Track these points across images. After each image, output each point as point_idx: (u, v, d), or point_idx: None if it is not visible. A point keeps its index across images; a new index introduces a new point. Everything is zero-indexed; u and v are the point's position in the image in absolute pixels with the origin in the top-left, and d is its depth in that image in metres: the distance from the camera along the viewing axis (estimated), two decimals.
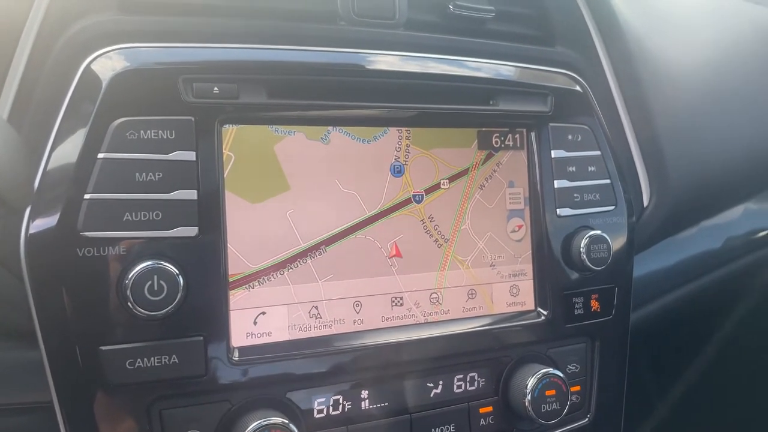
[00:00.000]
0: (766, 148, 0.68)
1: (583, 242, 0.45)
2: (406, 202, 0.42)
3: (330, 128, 0.40)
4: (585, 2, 0.51)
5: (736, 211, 0.67)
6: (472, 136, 0.44)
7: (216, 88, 0.36)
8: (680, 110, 0.58)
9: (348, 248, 0.40)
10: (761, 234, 0.68)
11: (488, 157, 0.44)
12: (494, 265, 0.44)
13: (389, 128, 0.41)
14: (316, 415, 0.38)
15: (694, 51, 0.68)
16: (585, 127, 0.47)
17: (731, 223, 0.67)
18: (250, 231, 0.37)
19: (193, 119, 0.35)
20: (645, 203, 0.53)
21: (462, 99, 0.43)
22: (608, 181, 0.48)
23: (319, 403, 0.38)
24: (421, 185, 0.42)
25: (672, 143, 0.55)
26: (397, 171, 0.41)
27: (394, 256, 0.41)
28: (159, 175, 0.34)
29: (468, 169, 0.44)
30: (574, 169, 0.46)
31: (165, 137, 0.34)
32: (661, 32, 0.65)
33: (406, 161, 0.42)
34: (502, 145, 0.45)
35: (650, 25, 0.63)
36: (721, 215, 0.67)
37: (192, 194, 0.35)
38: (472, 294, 0.44)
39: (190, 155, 0.35)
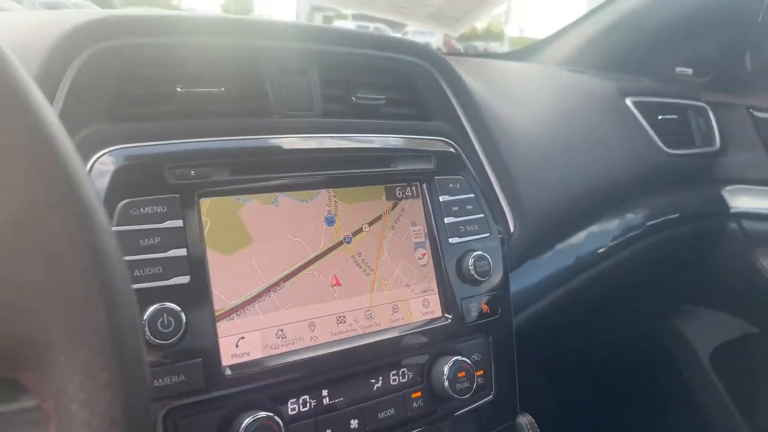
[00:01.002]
0: (600, 184, 0.90)
1: (470, 261, 0.60)
2: (339, 244, 0.55)
3: (277, 194, 0.53)
4: (448, 87, 0.68)
5: (582, 234, 0.87)
6: (381, 190, 0.59)
7: (192, 172, 0.48)
8: (527, 157, 0.77)
9: (301, 282, 0.52)
10: (601, 250, 0.88)
11: (395, 205, 0.59)
12: (409, 285, 0.58)
13: (320, 190, 0.55)
14: (290, 412, 0.50)
15: (533, 111, 0.88)
16: (461, 177, 0.64)
17: (579, 244, 0.86)
18: (227, 276, 0.49)
19: (178, 196, 0.47)
20: (511, 230, 0.70)
21: (370, 164, 0.58)
22: (482, 215, 0.64)
23: (292, 402, 0.50)
24: (348, 230, 0.56)
25: (524, 183, 0.73)
26: (330, 221, 0.55)
27: (335, 285, 0.54)
28: (157, 239, 0.45)
29: (381, 215, 0.58)
30: (457, 208, 0.62)
31: (159, 211, 0.46)
32: (505, 100, 0.85)
33: (336, 213, 0.55)
34: (404, 196, 0.60)
35: (496, 95, 0.83)
36: (572, 238, 0.86)
37: (183, 252, 0.46)
38: (395, 309, 0.57)
39: (179, 222, 0.46)
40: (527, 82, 1.01)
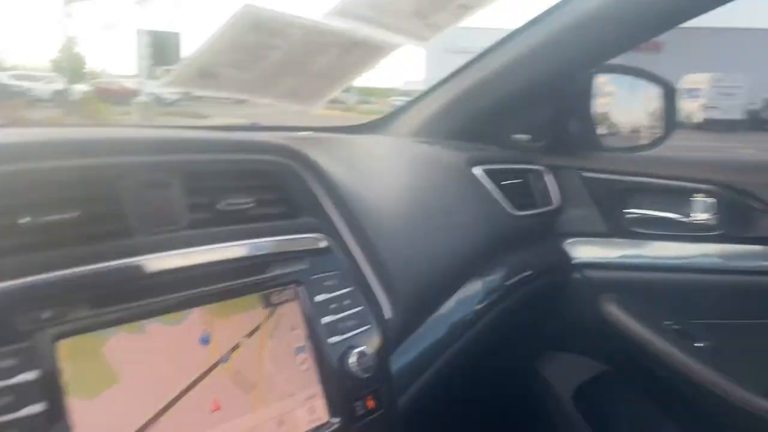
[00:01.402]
0: (460, 251, 0.94)
1: (352, 359, 0.60)
2: (216, 364, 0.52)
3: (144, 321, 0.49)
4: (314, 181, 0.68)
5: (450, 304, 0.90)
6: (257, 299, 0.57)
7: (45, 313, 0.43)
8: (393, 237, 0.79)
9: (177, 415, 0.48)
10: (469, 317, 0.92)
11: (272, 312, 0.57)
12: (293, 394, 0.56)
13: (193, 309, 0.52)
14: None
15: (393, 187, 0.92)
16: (336, 272, 0.64)
17: (449, 314, 0.89)
18: (93, 425, 0.44)
19: (29, 344, 0.42)
20: (388, 316, 0.71)
21: (243, 274, 0.56)
22: (361, 308, 0.65)
23: None
24: (225, 348, 0.53)
25: (394, 265, 0.74)
26: (205, 341, 0.52)
27: (215, 410, 0.51)
28: (8, 398, 0.40)
29: (259, 325, 0.56)
30: (335, 306, 0.62)
31: (8, 365, 0.40)
32: (366, 180, 0.87)
33: (210, 331, 0.52)
34: (280, 301, 0.58)
35: (358, 177, 0.85)
36: (441, 309, 0.89)
37: (39, 407, 0.41)
38: (281, 423, 0.55)
39: (33, 375, 0.41)
40: (384, 157, 1.05)
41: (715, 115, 20.68)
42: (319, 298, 0.61)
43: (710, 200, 1.12)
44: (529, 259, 1.12)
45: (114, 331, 0.47)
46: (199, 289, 0.53)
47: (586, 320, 1.18)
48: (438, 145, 1.15)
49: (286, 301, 0.59)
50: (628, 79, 1.30)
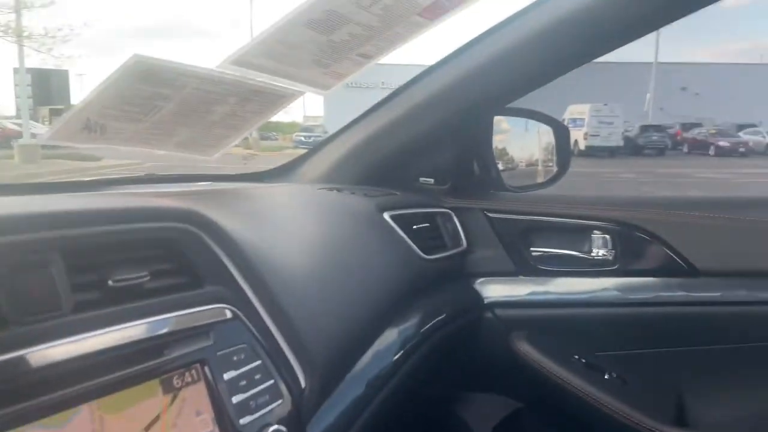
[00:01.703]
0: (374, 300, 0.92)
1: None
2: None
3: (24, 427, 0.42)
4: (218, 247, 0.64)
5: (366, 358, 0.87)
6: (156, 385, 0.51)
7: None
8: (304, 295, 0.75)
9: None
10: (386, 370, 0.89)
11: (174, 397, 0.52)
12: None
13: (80, 406, 0.45)
14: None
15: (301, 240, 0.88)
16: (244, 345, 0.59)
17: (366, 369, 0.86)
18: None
19: None
20: (303, 385, 0.67)
21: (139, 359, 0.50)
22: (273, 381, 0.60)
23: None
24: None
25: (306, 328, 0.70)
26: None
27: None
28: None
29: (159, 414, 0.50)
30: (245, 382, 0.57)
31: None
32: (273, 236, 0.83)
33: (101, 430, 0.46)
34: (183, 384, 0.53)
35: (264, 235, 0.80)
36: (358, 364, 0.85)
37: None
38: None
39: None
40: (292, 207, 1.02)
41: (597, 142, 22.41)
42: (228, 375, 0.56)
43: (607, 236, 1.17)
44: (443, 303, 1.11)
45: None
46: (87, 383, 0.46)
47: (500, 359, 1.19)
48: (347, 191, 1.13)
49: (190, 383, 0.54)
50: (523, 119, 1.35)
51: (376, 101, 1.22)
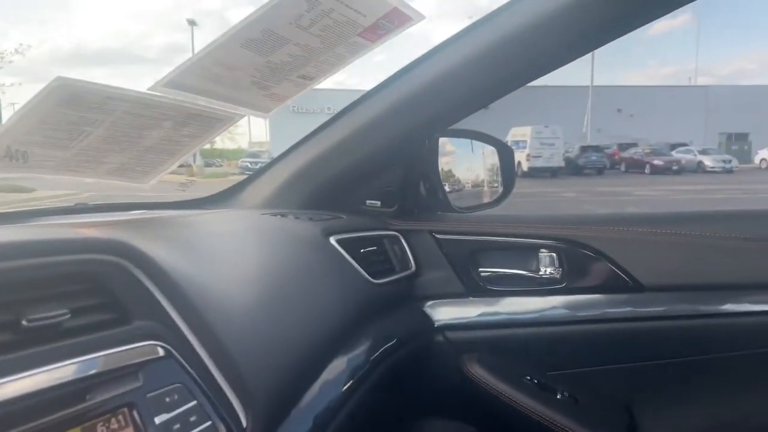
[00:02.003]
0: (320, 328, 0.88)
1: None
2: None
3: None
4: (149, 280, 0.59)
5: (314, 390, 0.83)
6: None
7: None
8: (244, 327, 0.70)
9: None
10: (335, 402, 0.86)
11: None
12: None
13: None
14: None
15: (243, 268, 0.84)
16: (178, 385, 0.55)
17: (313, 402, 0.82)
18: None
19: None
20: (244, 424, 0.62)
21: (57, 407, 0.45)
22: (210, 422, 0.56)
23: None
24: None
25: (246, 361, 0.66)
26: None
27: None
28: None
29: None
30: (179, 426, 0.53)
31: None
32: (210, 266, 0.78)
33: None
34: (109, 431, 0.48)
35: (201, 265, 0.76)
36: (305, 397, 0.82)
37: None
38: None
39: None
40: (233, 234, 0.97)
41: (539, 163, 23.06)
42: (159, 419, 0.52)
43: (554, 254, 1.18)
44: (393, 328, 1.09)
45: None
46: None
47: (452, 383, 1.17)
48: (291, 216, 1.09)
49: (116, 430, 0.49)
50: (468, 141, 1.36)
51: None
